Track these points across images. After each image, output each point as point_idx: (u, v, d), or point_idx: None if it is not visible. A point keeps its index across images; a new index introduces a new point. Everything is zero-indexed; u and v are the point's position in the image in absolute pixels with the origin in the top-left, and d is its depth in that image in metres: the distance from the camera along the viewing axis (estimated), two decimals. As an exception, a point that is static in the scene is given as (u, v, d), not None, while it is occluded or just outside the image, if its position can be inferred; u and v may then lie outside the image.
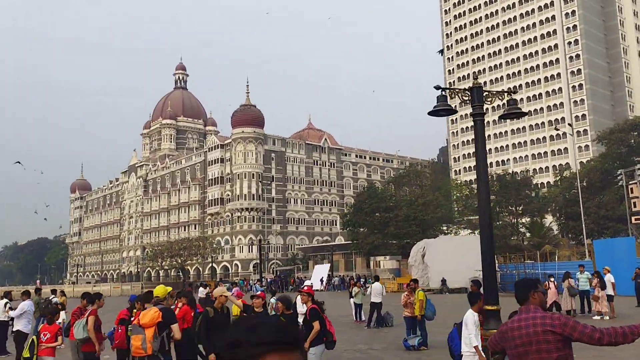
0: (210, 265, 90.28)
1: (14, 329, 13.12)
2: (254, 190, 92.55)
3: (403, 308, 14.25)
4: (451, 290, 40.47)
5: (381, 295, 19.11)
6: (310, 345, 7.85)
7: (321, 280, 55.70)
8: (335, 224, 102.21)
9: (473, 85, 10.50)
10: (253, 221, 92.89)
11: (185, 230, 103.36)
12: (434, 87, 10.63)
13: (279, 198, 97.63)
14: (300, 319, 10.30)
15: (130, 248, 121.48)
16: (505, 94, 10.97)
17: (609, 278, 19.64)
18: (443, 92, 10.60)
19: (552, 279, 20.62)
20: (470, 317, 7.40)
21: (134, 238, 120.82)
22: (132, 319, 8.32)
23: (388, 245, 62.29)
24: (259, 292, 8.51)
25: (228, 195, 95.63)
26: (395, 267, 57.39)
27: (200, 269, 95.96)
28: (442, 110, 10.57)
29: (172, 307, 8.94)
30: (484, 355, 7.03)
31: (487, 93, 10.61)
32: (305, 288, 8.62)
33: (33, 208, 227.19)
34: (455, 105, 11.53)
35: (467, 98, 10.59)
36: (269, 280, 56.05)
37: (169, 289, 8.64)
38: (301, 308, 11.45)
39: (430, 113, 10.75)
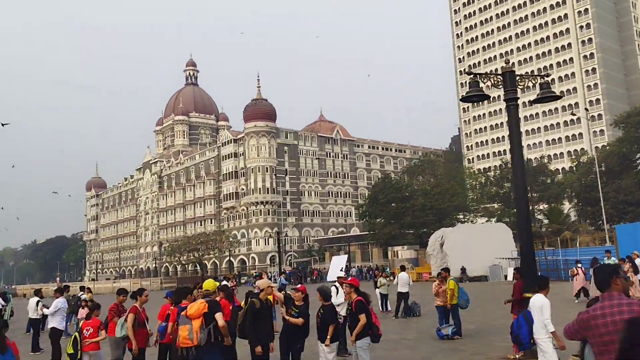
0: (228, 259, 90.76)
1: (50, 326, 13.19)
2: (268, 184, 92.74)
3: (434, 297, 14.20)
4: (471, 278, 40.37)
5: (408, 285, 19.08)
6: (356, 338, 7.76)
7: (341, 271, 55.73)
8: (350, 215, 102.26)
9: (505, 70, 10.37)
10: (268, 214, 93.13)
11: (201, 225, 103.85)
12: (465, 72, 10.49)
13: (293, 191, 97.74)
14: (339, 309, 10.26)
15: (147, 244, 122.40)
16: (538, 77, 10.85)
17: (639, 262, 19.43)
18: (475, 78, 10.48)
19: (580, 265, 20.46)
20: (546, 303, 7.30)
21: (150, 234, 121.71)
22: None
23: (405, 235, 62.29)
24: (299, 286, 8.41)
25: (243, 189, 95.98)
26: (413, 257, 57.30)
27: (217, 262, 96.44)
28: (474, 95, 10.47)
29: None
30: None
31: (519, 77, 10.50)
32: (349, 279, 8.52)
33: (50, 207, 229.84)
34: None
35: (498, 82, 10.48)
36: (287, 272, 56.21)
37: (217, 283, 8.63)
38: (336, 299, 11.42)
39: (463, 99, 10.63)
